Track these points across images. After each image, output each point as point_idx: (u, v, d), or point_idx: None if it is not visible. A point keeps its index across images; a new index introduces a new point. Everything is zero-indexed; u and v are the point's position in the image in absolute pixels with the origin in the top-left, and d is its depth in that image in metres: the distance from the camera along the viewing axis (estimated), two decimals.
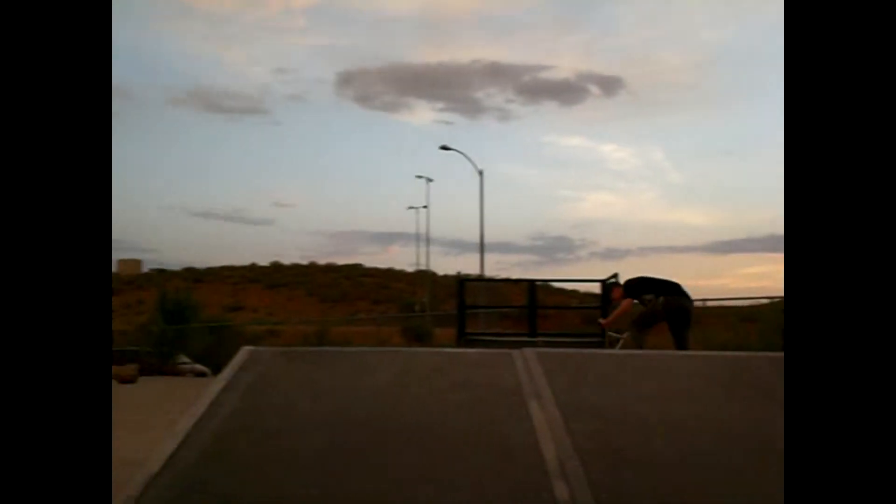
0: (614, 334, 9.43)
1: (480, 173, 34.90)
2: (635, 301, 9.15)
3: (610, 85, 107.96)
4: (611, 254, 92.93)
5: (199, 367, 32.10)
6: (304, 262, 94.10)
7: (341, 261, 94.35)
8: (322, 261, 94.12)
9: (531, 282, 10.89)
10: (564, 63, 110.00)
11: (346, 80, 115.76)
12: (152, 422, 9.25)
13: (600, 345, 9.27)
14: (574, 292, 49.93)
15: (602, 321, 9.52)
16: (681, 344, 8.29)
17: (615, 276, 10.19)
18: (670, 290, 9.03)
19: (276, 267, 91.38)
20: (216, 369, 24.47)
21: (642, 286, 9.13)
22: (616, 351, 7.60)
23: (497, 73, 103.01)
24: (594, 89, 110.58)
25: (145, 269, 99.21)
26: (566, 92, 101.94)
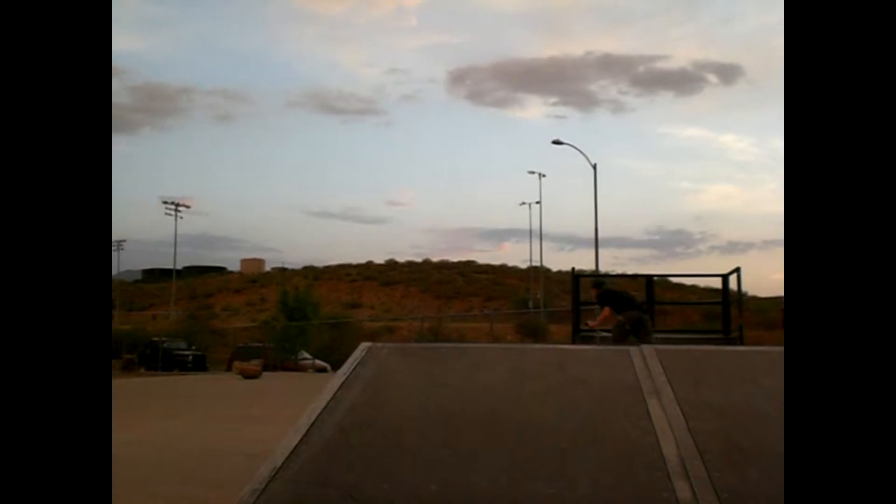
0: (604, 334, 10.15)
1: (594, 167, 34.43)
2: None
3: (728, 73, 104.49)
4: (733, 248, 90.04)
5: (319, 362, 32.97)
6: (419, 259, 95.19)
7: (455, 258, 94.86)
8: (436, 258, 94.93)
9: (648, 277, 10.65)
10: (680, 52, 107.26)
11: (458, 78, 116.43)
12: (276, 415, 9.57)
13: (722, 341, 9.01)
14: (693, 287, 48.56)
15: (590, 323, 10.83)
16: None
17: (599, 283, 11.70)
18: (629, 306, 10.45)
19: (391, 264, 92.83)
20: (336, 365, 25.08)
21: (612, 298, 10.64)
22: (738, 347, 7.41)
23: (610, 65, 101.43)
24: (712, 78, 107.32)
25: (267, 267, 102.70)
26: (683, 81, 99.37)
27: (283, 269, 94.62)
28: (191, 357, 37.28)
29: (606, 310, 10.79)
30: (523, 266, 75.73)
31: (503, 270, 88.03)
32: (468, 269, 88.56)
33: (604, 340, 9.36)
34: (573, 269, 13.41)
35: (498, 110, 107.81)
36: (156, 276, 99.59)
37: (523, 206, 65.30)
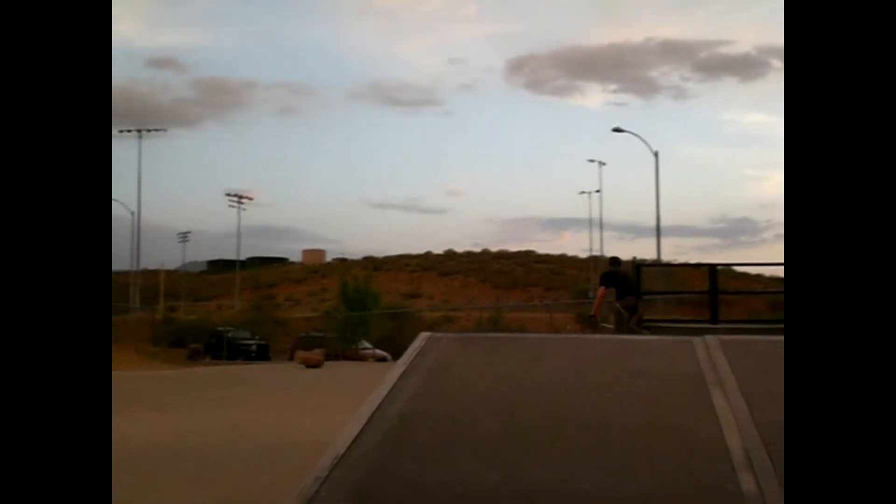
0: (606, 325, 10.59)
1: (655, 154, 33.95)
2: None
3: None
4: None
5: (379, 352, 33.28)
6: (477, 249, 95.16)
7: (514, 247, 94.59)
8: (494, 248, 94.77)
9: (712, 266, 10.48)
10: (744, 37, 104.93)
11: (517, 67, 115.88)
12: (337, 404, 9.69)
13: None
14: (759, 276, 47.58)
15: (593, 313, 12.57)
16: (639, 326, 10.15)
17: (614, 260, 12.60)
18: (628, 292, 10.98)
19: (450, 255, 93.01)
20: (396, 354, 25.30)
21: (614, 280, 11.39)
22: None
23: (672, 51, 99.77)
24: (776, 63, 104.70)
25: (328, 258, 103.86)
26: (746, 67, 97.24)
27: (344, 260, 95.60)
28: (254, 346, 37.99)
29: (602, 290, 11.73)
30: (583, 256, 75.04)
31: (563, 260, 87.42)
32: (527, 259, 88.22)
33: (666, 330, 9.25)
34: (634, 258, 13.26)
35: (557, 98, 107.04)
36: (220, 267, 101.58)
37: (583, 195, 64.70)
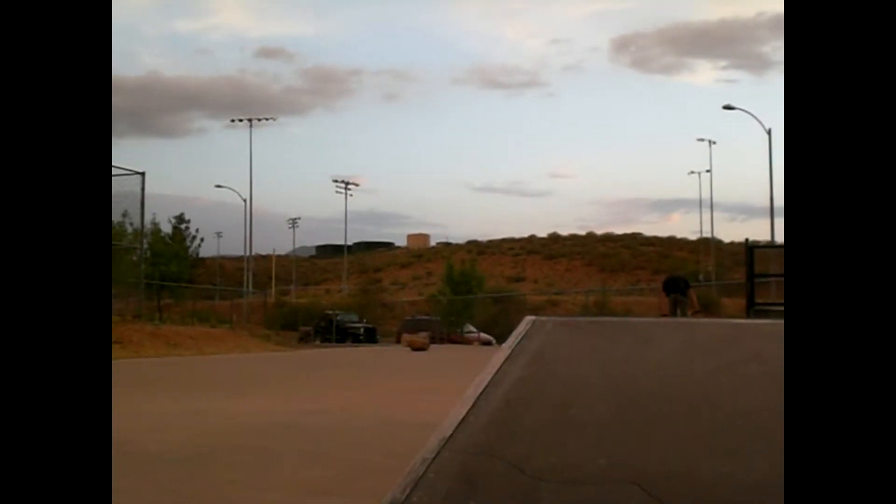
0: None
1: (769, 132, 32.70)
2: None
3: None
4: None
5: (484, 335, 33.44)
6: (582, 232, 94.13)
7: (620, 230, 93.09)
8: (600, 230, 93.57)
9: None
10: None
11: (622, 46, 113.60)
12: (443, 387, 9.80)
13: None
14: None
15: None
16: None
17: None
18: (674, 289, 16.54)
19: (555, 238, 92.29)
20: (500, 338, 25.34)
21: (669, 285, 16.91)
22: None
23: None
24: None
25: (432, 242, 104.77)
26: None
27: (448, 244, 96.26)
28: (362, 330, 38.80)
29: (662, 298, 16.66)
30: (693, 238, 73.23)
31: (671, 242, 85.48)
32: (634, 242, 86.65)
33: (780, 314, 8.95)
34: (747, 240, 12.84)
35: (664, 77, 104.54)
36: (328, 251, 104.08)
37: (692, 175, 63.02)
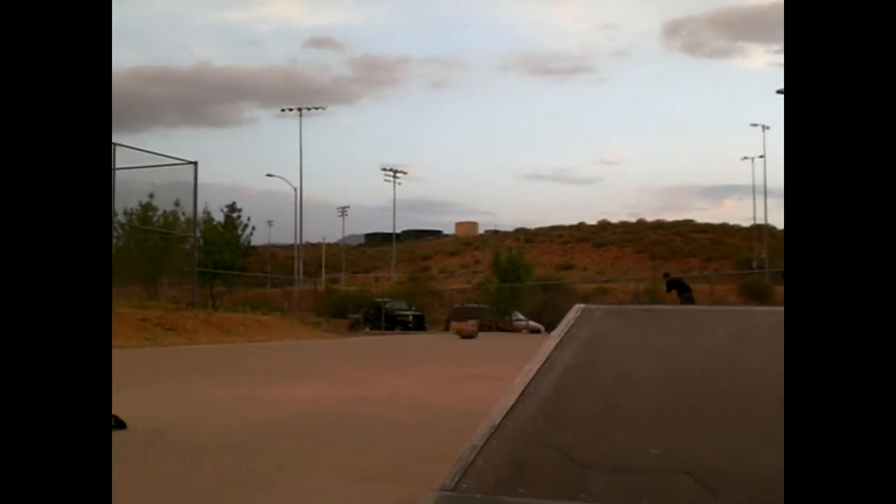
0: None
1: None
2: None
3: None
4: None
5: (533, 323, 33.34)
6: (632, 219, 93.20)
7: (671, 217, 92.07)
8: (650, 217, 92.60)
9: None
10: None
11: (673, 30, 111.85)
12: (492, 375, 9.79)
13: None
14: None
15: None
16: None
17: (667, 274, 23.35)
18: (683, 289, 20.53)
19: (604, 225, 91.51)
20: (549, 326, 25.25)
21: (675, 284, 20.81)
22: None
23: None
24: None
25: (480, 230, 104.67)
26: None
27: (496, 232, 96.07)
28: (411, 317, 38.98)
29: (674, 293, 20.28)
30: (746, 224, 71.92)
31: (724, 229, 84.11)
32: (685, 229, 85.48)
33: None
34: None
35: (716, 61, 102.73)
36: (377, 239, 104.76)
37: (745, 160, 61.94)
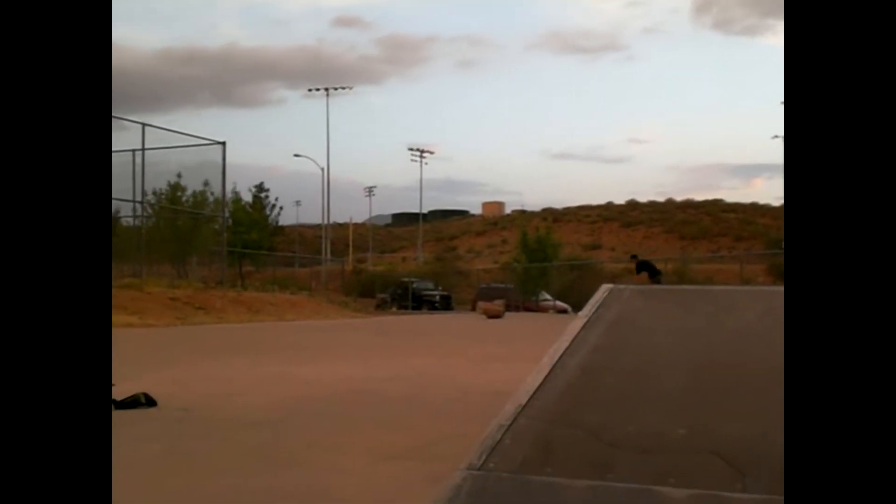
0: None
1: None
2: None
3: None
4: None
5: (560, 303, 33.26)
6: (661, 198, 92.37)
7: (700, 196, 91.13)
8: (679, 197, 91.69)
9: None
10: None
11: (704, 7, 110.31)
12: (518, 355, 9.80)
13: None
14: None
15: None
16: None
17: (634, 256, 25.17)
18: (653, 272, 21.89)
19: (632, 205, 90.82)
20: (576, 306, 25.19)
21: (645, 266, 22.14)
22: None
23: None
24: None
25: (507, 210, 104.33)
26: None
27: (523, 212, 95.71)
28: (438, 297, 39.10)
29: (644, 275, 21.30)
30: (776, 204, 71.01)
31: (754, 209, 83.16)
32: (715, 208, 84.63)
33: None
34: None
35: (747, 39, 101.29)
36: (403, 219, 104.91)
37: (776, 139, 61.03)
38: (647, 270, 22.39)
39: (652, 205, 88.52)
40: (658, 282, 20.98)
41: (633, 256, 25.98)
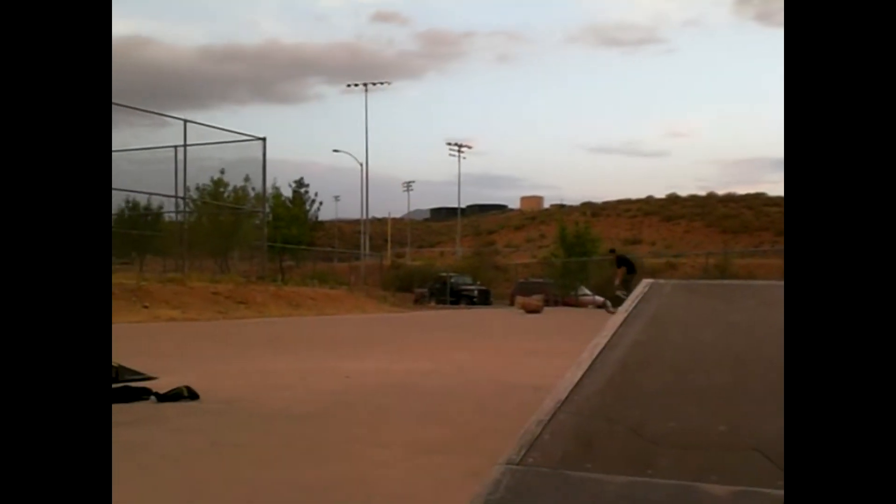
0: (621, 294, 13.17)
1: None
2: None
3: None
4: None
5: (599, 298, 33.04)
6: (702, 192, 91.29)
7: (742, 190, 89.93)
8: (721, 190, 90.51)
9: None
10: None
11: None
12: (558, 350, 9.77)
13: None
14: None
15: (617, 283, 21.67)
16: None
17: (612, 250, 27.97)
18: (631, 268, 23.03)
19: (673, 199, 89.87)
20: (616, 301, 25.04)
21: (624, 261, 23.60)
22: None
23: None
24: None
25: (546, 204, 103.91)
26: None
27: (562, 206, 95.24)
28: (476, 292, 39.10)
29: (623, 269, 22.63)
30: None
31: None
32: (757, 202, 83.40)
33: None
34: None
35: None
36: (442, 214, 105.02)
37: None
38: (626, 265, 23.61)
39: (693, 199, 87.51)
40: (633, 277, 21.86)
41: (612, 251, 27.68)
